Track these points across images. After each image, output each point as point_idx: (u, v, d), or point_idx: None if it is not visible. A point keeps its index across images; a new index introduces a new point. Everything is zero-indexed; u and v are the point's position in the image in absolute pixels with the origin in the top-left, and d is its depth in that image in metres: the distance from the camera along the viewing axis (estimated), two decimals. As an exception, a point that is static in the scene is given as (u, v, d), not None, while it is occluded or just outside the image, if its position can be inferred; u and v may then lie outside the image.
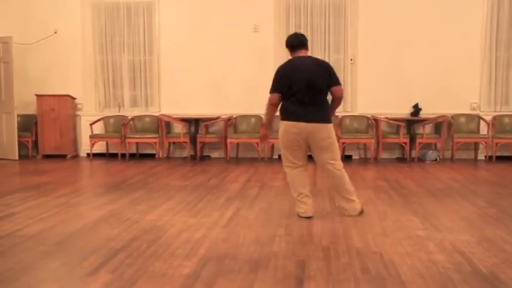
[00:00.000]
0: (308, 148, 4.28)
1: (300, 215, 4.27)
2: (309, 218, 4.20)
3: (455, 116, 8.26)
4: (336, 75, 4.30)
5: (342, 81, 4.68)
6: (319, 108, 4.23)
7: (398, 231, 3.78)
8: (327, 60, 4.78)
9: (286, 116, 4.23)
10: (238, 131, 8.52)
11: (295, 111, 4.17)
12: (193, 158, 8.41)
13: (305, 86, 4.14)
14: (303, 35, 4.44)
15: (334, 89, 4.24)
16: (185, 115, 8.52)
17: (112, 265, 3.03)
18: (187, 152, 8.45)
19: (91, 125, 8.54)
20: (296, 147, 4.24)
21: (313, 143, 4.21)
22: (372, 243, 3.47)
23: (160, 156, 8.62)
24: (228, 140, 8.25)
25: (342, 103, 5.11)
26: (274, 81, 4.29)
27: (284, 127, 4.24)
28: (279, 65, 4.41)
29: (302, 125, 4.14)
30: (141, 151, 8.81)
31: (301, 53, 4.33)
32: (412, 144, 8.14)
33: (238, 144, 8.46)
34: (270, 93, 4.28)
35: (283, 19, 8.50)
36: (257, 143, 8.20)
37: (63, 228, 3.92)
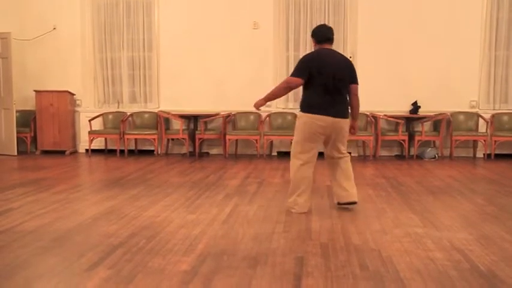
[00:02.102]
0: (323, 143, 4.31)
1: (293, 210, 4.26)
2: (303, 213, 4.24)
3: (454, 114, 8.27)
4: (356, 73, 4.35)
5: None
6: (343, 103, 4.26)
7: (397, 229, 3.79)
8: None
9: (312, 108, 4.17)
10: (237, 128, 8.52)
11: (322, 104, 4.15)
12: (192, 154, 8.41)
13: (333, 79, 4.15)
14: (331, 29, 4.41)
15: (353, 86, 4.30)
16: (184, 112, 8.52)
17: (110, 261, 3.02)
18: (186, 149, 8.44)
19: (90, 121, 8.54)
20: (317, 141, 4.23)
21: (334, 137, 4.24)
22: (371, 240, 3.48)
23: (159, 152, 8.61)
24: (227, 137, 8.24)
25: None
26: (301, 66, 4.23)
27: (308, 119, 4.18)
28: (306, 54, 4.38)
29: (329, 119, 4.14)
30: (139, 147, 8.82)
31: (329, 47, 4.35)
32: (410, 141, 8.15)
33: (237, 140, 8.46)
34: (293, 76, 4.22)
35: (283, 16, 8.49)
36: (256, 140, 8.20)
37: (61, 224, 3.92)
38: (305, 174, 4.27)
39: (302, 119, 4.24)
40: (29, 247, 3.32)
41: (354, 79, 4.32)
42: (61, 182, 5.81)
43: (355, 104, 4.39)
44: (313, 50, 4.45)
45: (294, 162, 4.31)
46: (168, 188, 5.46)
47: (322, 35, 4.35)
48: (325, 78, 4.14)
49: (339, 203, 4.46)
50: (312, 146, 4.25)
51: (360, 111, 4.54)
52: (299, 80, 4.19)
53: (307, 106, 4.22)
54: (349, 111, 4.38)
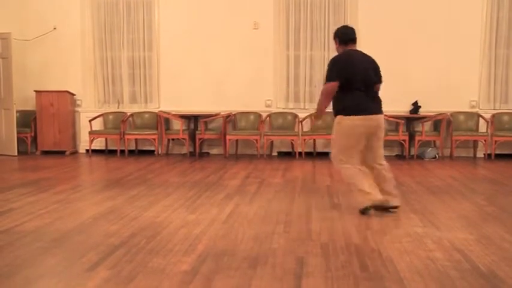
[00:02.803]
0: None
1: (370, 204, 4.09)
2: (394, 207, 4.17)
3: (454, 114, 8.26)
4: (380, 72, 4.39)
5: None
6: (377, 101, 4.30)
7: (397, 229, 3.79)
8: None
9: (354, 110, 4.13)
10: (237, 128, 8.52)
11: (364, 104, 4.15)
12: (192, 154, 8.41)
13: (369, 79, 4.19)
14: (354, 29, 4.42)
15: (377, 86, 4.35)
16: (184, 112, 8.52)
17: (111, 261, 3.02)
18: (186, 149, 8.44)
19: (90, 121, 8.54)
20: (361, 142, 4.18)
21: (375, 135, 4.21)
22: (371, 241, 3.48)
23: (159, 152, 8.61)
24: (227, 137, 8.24)
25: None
26: (333, 69, 4.20)
27: (352, 122, 4.13)
28: (336, 55, 4.35)
29: (373, 117, 4.16)
30: (140, 147, 8.81)
31: (353, 47, 4.36)
32: (411, 141, 8.15)
33: (237, 140, 8.46)
34: (329, 81, 4.19)
35: (283, 16, 8.49)
36: (256, 140, 8.20)
37: (61, 224, 3.92)
38: (361, 173, 4.17)
39: (344, 122, 4.16)
40: (30, 247, 3.32)
41: (379, 78, 4.35)
42: (61, 182, 5.81)
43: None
44: (333, 50, 4.44)
45: (345, 167, 4.18)
46: (169, 188, 5.46)
47: (347, 35, 4.36)
48: (358, 79, 4.15)
49: (378, 207, 4.24)
50: (358, 148, 4.18)
51: None
52: (334, 84, 4.17)
53: (348, 109, 4.15)
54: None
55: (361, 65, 4.22)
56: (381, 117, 4.25)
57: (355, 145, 4.17)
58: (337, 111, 4.25)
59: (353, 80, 4.14)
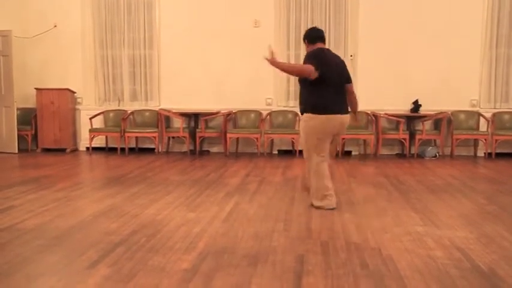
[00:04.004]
0: None
1: (327, 207, 4.29)
2: (333, 209, 4.29)
3: (455, 113, 8.26)
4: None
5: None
6: (345, 99, 4.39)
7: (397, 227, 3.79)
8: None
9: (326, 109, 4.20)
10: (237, 126, 8.52)
11: (335, 103, 4.23)
12: (192, 152, 8.41)
13: (339, 77, 4.28)
14: (322, 30, 4.52)
15: (351, 85, 4.48)
16: (185, 110, 8.52)
17: (111, 259, 3.03)
18: (186, 147, 8.44)
19: (91, 119, 8.54)
20: (329, 139, 4.31)
21: (339, 132, 4.37)
22: (371, 239, 3.48)
23: (160, 150, 8.62)
24: (228, 135, 8.24)
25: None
26: (317, 59, 4.21)
27: (324, 120, 4.20)
28: (311, 51, 4.38)
29: (341, 117, 4.25)
30: (140, 145, 8.81)
31: (321, 45, 4.41)
32: (411, 140, 8.15)
33: (237, 139, 8.46)
34: (309, 64, 4.19)
35: (284, 14, 8.48)
36: (257, 138, 8.20)
37: (62, 221, 3.92)
38: (327, 171, 4.33)
39: (316, 119, 4.22)
40: (30, 245, 3.32)
41: (350, 78, 4.50)
42: (62, 180, 5.82)
43: (355, 100, 4.59)
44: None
45: (316, 162, 4.29)
46: (169, 186, 5.46)
47: (315, 34, 4.44)
48: (332, 77, 4.21)
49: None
50: (326, 145, 4.31)
51: (361, 110, 4.60)
52: (313, 70, 4.14)
53: (321, 107, 4.21)
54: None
55: (335, 64, 4.32)
56: (347, 116, 4.34)
57: (324, 141, 4.27)
58: (306, 109, 4.30)
59: (327, 78, 4.19)
